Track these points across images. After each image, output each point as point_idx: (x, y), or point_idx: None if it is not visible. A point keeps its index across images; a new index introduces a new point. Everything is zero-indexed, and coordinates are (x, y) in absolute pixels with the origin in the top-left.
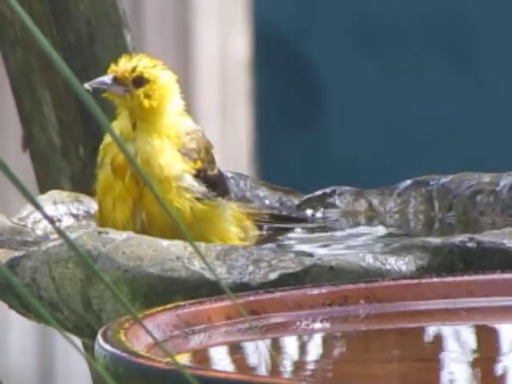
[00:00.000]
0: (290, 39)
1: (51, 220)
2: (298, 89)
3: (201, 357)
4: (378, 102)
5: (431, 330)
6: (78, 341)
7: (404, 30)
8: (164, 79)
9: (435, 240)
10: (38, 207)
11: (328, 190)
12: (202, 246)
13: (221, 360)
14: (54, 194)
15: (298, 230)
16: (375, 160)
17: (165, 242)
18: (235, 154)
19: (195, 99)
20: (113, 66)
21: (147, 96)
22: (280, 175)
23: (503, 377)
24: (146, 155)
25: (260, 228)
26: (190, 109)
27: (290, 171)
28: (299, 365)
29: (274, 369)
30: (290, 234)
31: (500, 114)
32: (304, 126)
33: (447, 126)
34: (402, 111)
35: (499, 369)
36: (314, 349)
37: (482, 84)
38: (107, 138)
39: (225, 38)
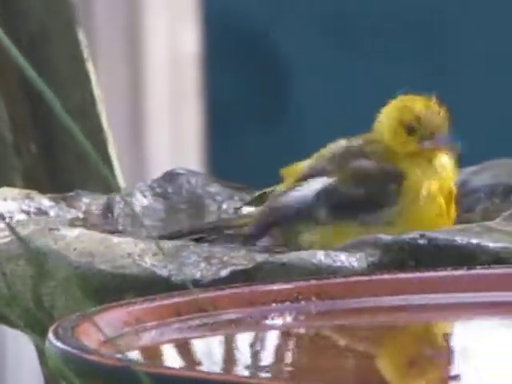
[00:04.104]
0: (249, 31)
1: (1, 216)
2: (260, 83)
3: (152, 354)
4: (348, 96)
5: (383, 327)
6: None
7: (377, 23)
8: None
9: (386, 237)
10: None
11: None
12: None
13: (172, 357)
14: (4, 190)
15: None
16: None
17: (116, 239)
18: (186, 152)
19: (145, 96)
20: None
21: None
22: (235, 172)
23: (451, 373)
24: None
25: None
26: (139, 106)
27: (249, 168)
28: (251, 361)
29: (227, 366)
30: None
31: (468, 111)
32: (264, 122)
33: None
34: (372, 105)
35: (447, 365)
36: (266, 345)
37: (455, 81)
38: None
39: (175, 32)
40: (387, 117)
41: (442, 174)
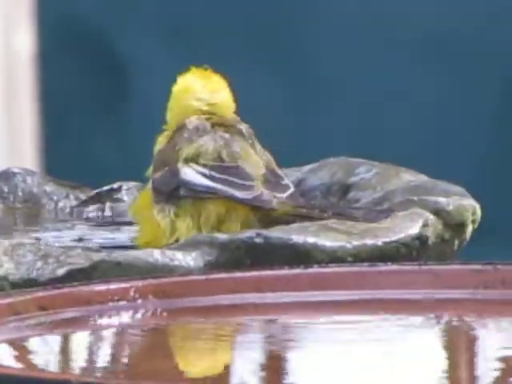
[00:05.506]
0: (86, 30)
1: None
2: (97, 83)
3: None
4: None
5: (219, 325)
6: None
7: (220, 28)
8: None
9: (222, 236)
10: None
11: (115, 186)
12: None
13: (8, 356)
14: None
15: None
16: None
17: None
18: (22, 151)
19: None
20: None
21: None
22: (72, 171)
23: (289, 371)
24: None
25: None
26: None
27: (85, 167)
28: (88, 360)
29: (63, 365)
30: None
31: (306, 109)
32: (100, 122)
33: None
34: None
35: (285, 364)
36: (103, 344)
37: (305, 88)
38: None
39: (9, 31)
40: None
41: None
